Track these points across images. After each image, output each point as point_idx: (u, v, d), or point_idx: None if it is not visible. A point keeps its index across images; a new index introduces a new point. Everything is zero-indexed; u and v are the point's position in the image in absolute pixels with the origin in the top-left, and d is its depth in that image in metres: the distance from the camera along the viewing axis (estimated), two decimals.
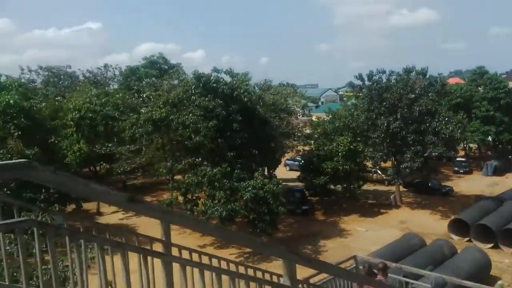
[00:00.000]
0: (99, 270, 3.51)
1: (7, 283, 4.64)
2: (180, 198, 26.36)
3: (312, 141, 35.56)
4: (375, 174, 38.96)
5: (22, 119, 26.58)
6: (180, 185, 26.17)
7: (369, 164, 35.82)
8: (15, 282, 4.87)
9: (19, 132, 25.89)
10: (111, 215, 30.36)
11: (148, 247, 4.04)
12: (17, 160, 2.28)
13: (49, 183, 2.41)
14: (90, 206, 31.05)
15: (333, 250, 25.17)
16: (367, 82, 33.71)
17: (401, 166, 32.47)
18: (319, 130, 36.32)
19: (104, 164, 36.01)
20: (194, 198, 26.18)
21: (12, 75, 46.13)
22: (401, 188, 35.64)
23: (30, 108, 28.23)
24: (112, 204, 2.75)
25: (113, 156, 32.30)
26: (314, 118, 41.95)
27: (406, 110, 31.53)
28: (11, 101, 26.46)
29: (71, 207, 27.49)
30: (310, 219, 31.60)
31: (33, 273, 5.87)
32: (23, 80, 46.81)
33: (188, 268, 3.66)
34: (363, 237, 27.66)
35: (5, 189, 20.40)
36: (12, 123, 26.14)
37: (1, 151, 24.19)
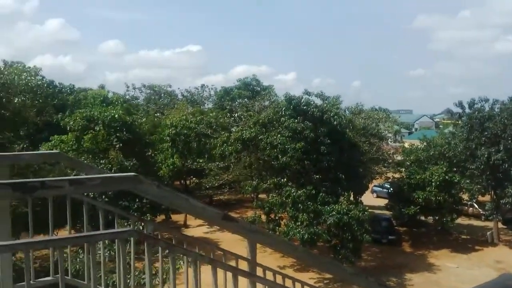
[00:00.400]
0: (186, 281, 3.68)
1: (102, 287, 5.00)
2: (263, 217, 26.59)
3: (403, 169, 34.20)
4: (471, 208, 36.40)
5: (124, 133, 28.48)
6: (264, 204, 26.42)
7: (465, 196, 33.58)
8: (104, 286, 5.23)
9: (121, 144, 27.87)
10: (197, 228, 31.44)
11: (233, 264, 4.14)
12: (127, 174, 2.49)
13: (153, 197, 2.59)
14: (178, 218, 32.40)
15: (419, 286, 23.80)
16: (467, 110, 32.17)
17: (502, 201, 30.18)
18: (411, 158, 34.87)
19: (194, 178, 37.56)
20: (277, 218, 26.25)
21: (118, 91, 50.54)
22: (500, 225, 32.85)
23: (132, 122, 30.21)
24: (207, 220, 2.88)
25: (203, 171, 33.59)
26: (406, 145, 40.32)
27: (510, 141, 29.36)
28: (116, 116, 28.53)
29: (160, 218, 28.93)
30: (396, 250, 30.20)
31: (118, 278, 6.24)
32: (127, 97, 50.94)
33: None
34: (453, 274, 25.86)
35: (103, 197, 22.01)
36: (115, 135, 28.16)
37: (103, 161, 26.25)
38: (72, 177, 2.35)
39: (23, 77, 30.68)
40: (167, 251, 3.25)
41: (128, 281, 5.80)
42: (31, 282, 3.94)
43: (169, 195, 2.61)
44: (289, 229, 23.93)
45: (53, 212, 4.45)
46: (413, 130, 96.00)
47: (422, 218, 32.33)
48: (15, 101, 26.32)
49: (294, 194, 24.40)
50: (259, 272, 4.20)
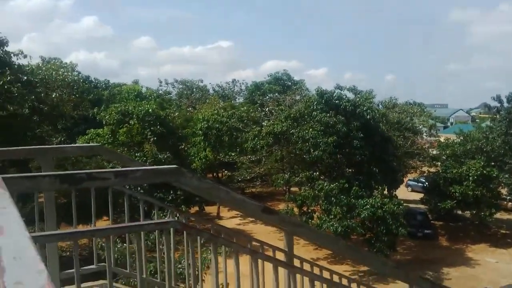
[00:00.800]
0: (225, 271, 3.72)
1: (144, 276, 5.12)
2: (296, 210, 26.56)
3: (439, 163, 33.45)
4: (510, 203, 35.30)
5: (158, 127, 28.97)
6: (296, 197, 26.40)
7: (503, 191, 32.59)
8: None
9: (155, 138, 28.37)
10: (230, 220, 31.68)
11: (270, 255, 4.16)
12: (169, 166, 2.54)
13: (194, 189, 2.62)
14: (211, 209, 32.75)
15: (457, 280, 23.29)
16: (506, 104, 31.14)
17: None
18: (447, 152, 34.03)
19: (226, 171, 37.88)
20: (310, 211, 26.21)
21: (151, 86, 51.40)
22: None
23: (165, 117, 30.67)
24: (247, 212, 2.91)
25: (235, 164, 33.84)
26: (442, 139, 39.41)
27: None
28: (150, 110, 29.05)
29: (194, 209, 29.32)
30: (432, 244, 29.62)
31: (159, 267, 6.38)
32: (160, 92, 51.67)
33: (306, 280, 3.67)
34: (492, 269, 25.21)
35: (139, 189, 22.44)
36: (149, 129, 28.69)
37: (138, 154, 26.79)
38: (117, 169, 2.41)
39: (60, 72, 31.57)
40: (203, 240, 3.29)
41: (165, 270, 5.92)
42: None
43: (210, 187, 2.65)
44: (322, 222, 23.83)
45: (89, 203, 4.56)
46: (449, 124, 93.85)
47: (459, 212, 31.63)
48: (53, 96, 27.13)
49: (326, 187, 24.25)
50: (296, 264, 4.21)
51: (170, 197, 24.55)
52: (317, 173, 26.29)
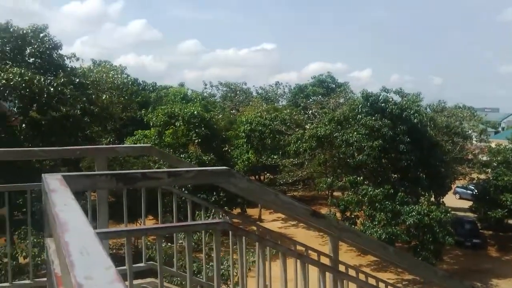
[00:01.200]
0: (270, 273, 3.73)
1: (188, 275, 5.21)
2: (338, 215, 26.23)
3: (490, 170, 32.11)
4: None
5: (203, 129, 29.44)
6: (339, 202, 26.07)
7: None
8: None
9: (199, 140, 28.85)
10: (271, 223, 31.66)
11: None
12: (220, 167, 2.57)
13: (243, 190, 2.65)
14: (252, 212, 32.85)
15: None
16: None
17: None
18: (499, 158, 32.60)
19: (268, 174, 37.93)
20: (353, 216, 25.82)
21: (196, 89, 52.32)
22: None
23: (210, 119, 31.09)
24: (295, 216, 2.90)
25: (277, 167, 33.80)
26: (493, 145, 37.77)
27: None
28: (195, 112, 29.57)
29: (235, 211, 29.52)
30: (480, 254, 28.49)
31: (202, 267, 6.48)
32: (205, 94, 52.47)
33: (352, 287, 3.62)
34: None
35: (183, 189, 22.83)
36: (194, 131, 29.20)
37: (183, 155, 27.31)
38: (170, 169, 2.47)
39: (110, 75, 32.78)
40: (246, 241, 3.29)
41: (208, 271, 6.01)
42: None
43: (259, 189, 2.67)
44: (366, 228, 23.39)
45: (132, 202, 4.68)
46: (500, 129, 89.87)
47: (510, 221, 30.32)
48: (103, 97, 28.15)
49: (371, 192, 23.82)
50: (340, 269, 4.16)
51: (213, 198, 24.85)
52: (361, 177, 25.82)
